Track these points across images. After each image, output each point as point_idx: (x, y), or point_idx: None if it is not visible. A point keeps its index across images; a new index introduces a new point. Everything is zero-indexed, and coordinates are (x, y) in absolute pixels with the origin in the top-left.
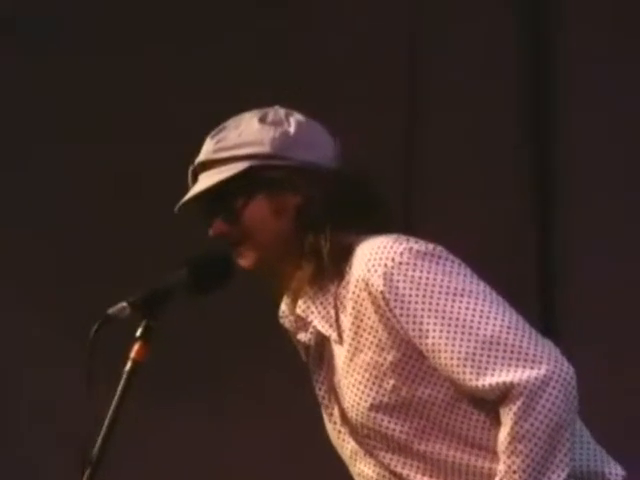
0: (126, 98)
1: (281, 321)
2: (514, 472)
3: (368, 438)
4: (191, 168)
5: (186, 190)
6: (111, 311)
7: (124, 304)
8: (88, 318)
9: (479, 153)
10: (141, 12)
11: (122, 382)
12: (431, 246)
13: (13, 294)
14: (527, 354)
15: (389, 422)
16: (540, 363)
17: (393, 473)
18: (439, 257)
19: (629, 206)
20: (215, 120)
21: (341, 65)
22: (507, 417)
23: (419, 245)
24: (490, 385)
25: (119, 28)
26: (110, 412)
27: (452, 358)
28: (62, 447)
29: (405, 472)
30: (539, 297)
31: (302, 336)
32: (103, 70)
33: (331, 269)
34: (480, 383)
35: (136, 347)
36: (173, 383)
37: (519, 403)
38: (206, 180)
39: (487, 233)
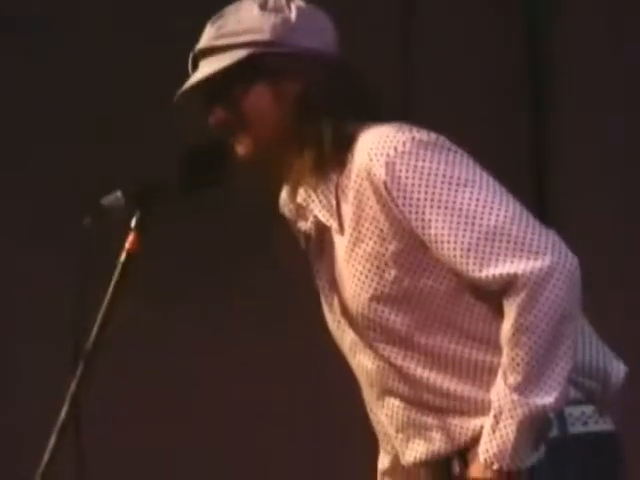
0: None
1: (281, 210)
2: (517, 364)
3: (368, 329)
4: (191, 55)
5: (186, 77)
6: (105, 201)
7: (118, 193)
8: None
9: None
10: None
11: (116, 273)
12: (434, 136)
13: None
14: (531, 245)
15: (390, 313)
16: (544, 254)
17: (393, 365)
18: (442, 147)
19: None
20: None
21: None
22: (510, 309)
23: (422, 134)
24: (493, 276)
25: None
26: (104, 303)
27: (455, 249)
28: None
29: (405, 364)
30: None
31: (302, 225)
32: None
33: (333, 157)
34: (483, 274)
35: (130, 238)
36: (172, 284)
37: (523, 295)
38: (206, 68)
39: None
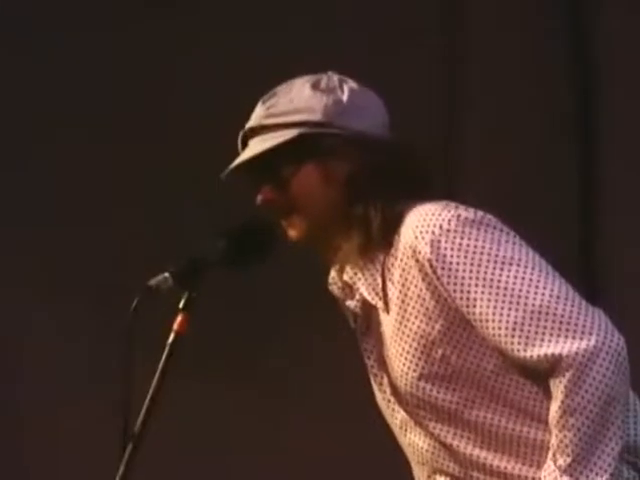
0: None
1: (330, 288)
2: (566, 446)
3: (417, 408)
4: (241, 133)
5: (234, 157)
6: (153, 282)
7: (166, 275)
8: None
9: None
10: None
11: (165, 354)
12: (480, 213)
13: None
14: (577, 324)
15: (438, 392)
16: (590, 334)
17: (442, 444)
18: (487, 225)
19: None
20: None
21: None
22: (557, 390)
23: (468, 212)
24: (538, 356)
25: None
26: (153, 385)
27: (500, 328)
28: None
29: (455, 443)
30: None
31: (350, 303)
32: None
33: (380, 239)
34: (528, 354)
35: (179, 319)
36: (215, 358)
37: (569, 375)
38: (256, 146)
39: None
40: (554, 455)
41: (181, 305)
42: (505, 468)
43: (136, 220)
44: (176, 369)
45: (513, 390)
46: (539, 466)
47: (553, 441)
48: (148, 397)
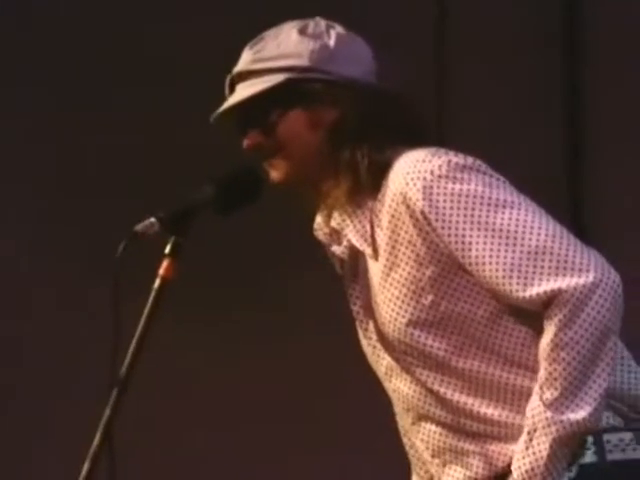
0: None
1: (315, 233)
2: (555, 379)
3: (405, 354)
4: (228, 78)
5: (223, 99)
6: (139, 227)
7: (152, 220)
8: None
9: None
10: None
11: (151, 299)
12: (470, 159)
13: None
14: (574, 262)
15: (426, 338)
16: (587, 271)
17: (429, 390)
18: (478, 170)
19: None
20: None
21: None
22: (551, 324)
23: (458, 158)
24: (537, 294)
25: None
26: (139, 329)
27: (497, 270)
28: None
29: (442, 390)
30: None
31: (336, 249)
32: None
33: (368, 184)
34: (527, 293)
35: (165, 264)
36: (202, 301)
37: (565, 310)
38: (243, 91)
39: (517, 150)
40: (541, 388)
41: (167, 250)
42: (492, 415)
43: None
44: (164, 313)
45: (501, 337)
46: (525, 413)
47: (541, 374)
48: (134, 341)
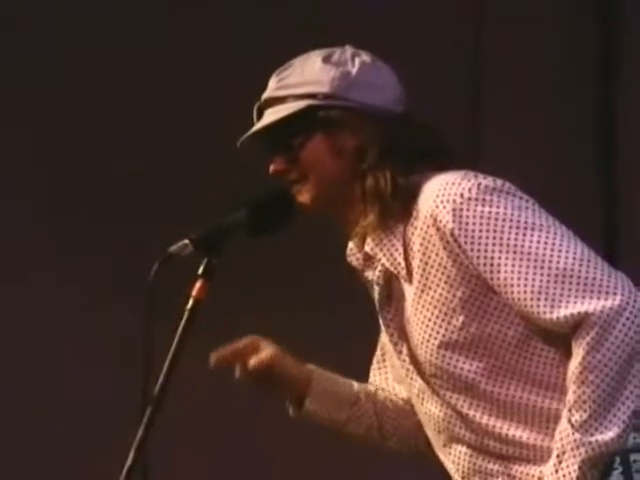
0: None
1: (348, 259)
2: (584, 402)
3: (435, 377)
4: (256, 104)
5: (251, 125)
6: (173, 249)
7: (186, 241)
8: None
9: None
10: None
11: (184, 320)
12: (500, 181)
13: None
14: (601, 285)
15: (457, 360)
16: (614, 294)
17: (458, 413)
18: (507, 192)
19: None
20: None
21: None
22: (579, 347)
23: (487, 180)
24: (565, 317)
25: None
26: (172, 349)
27: (525, 292)
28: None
29: (471, 412)
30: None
31: (370, 274)
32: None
33: (396, 209)
34: (555, 315)
35: (197, 285)
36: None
37: (592, 333)
38: (267, 118)
39: (550, 178)
40: (570, 410)
41: (200, 271)
42: (520, 437)
43: (160, 191)
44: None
45: (529, 358)
46: (554, 435)
47: (570, 397)
48: (167, 362)
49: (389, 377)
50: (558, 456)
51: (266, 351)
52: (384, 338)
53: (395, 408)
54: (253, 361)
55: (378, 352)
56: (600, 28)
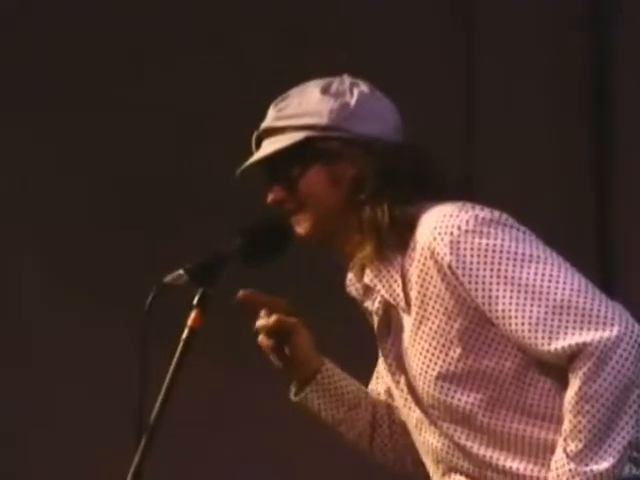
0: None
1: (348, 289)
2: (579, 432)
3: (433, 408)
4: (255, 134)
5: (250, 155)
6: (167, 279)
7: (180, 272)
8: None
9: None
10: None
11: (179, 349)
12: (497, 213)
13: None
14: (598, 316)
15: (455, 391)
16: (612, 325)
17: (456, 444)
18: (504, 224)
19: None
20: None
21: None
22: (576, 377)
23: (485, 212)
24: (563, 348)
25: None
26: (167, 379)
27: (523, 324)
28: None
29: (468, 444)
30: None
31: (369, 304)
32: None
33: (393, 239)
34: (553, 347)
35: (193, 315)
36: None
37: (590, 363)
38: (266, 148)
39: (549, 209)
40: (565, 440)
41: (195, 301)
42: (517, 469)
43: (151, 220)
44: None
45: (527, 389)
46: (550, 466)
47: (566, 426)
48: (163, 390)
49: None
50: None
51: (292, 319)
52: (380, 365)
53: (391, 426)
54: (276, 316)
55: (373, 379)
56: (592, 50)
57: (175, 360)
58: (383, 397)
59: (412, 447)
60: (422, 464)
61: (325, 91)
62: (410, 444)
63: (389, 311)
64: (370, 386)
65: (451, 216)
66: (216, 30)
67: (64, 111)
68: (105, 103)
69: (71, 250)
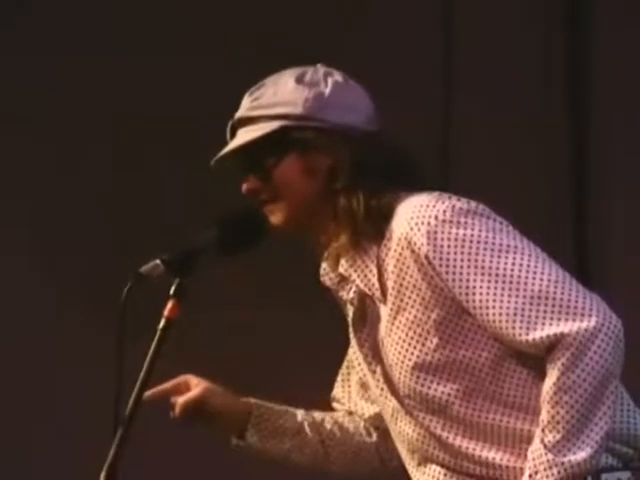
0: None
1: (322, 279)
2: (557, 422)
3: (409, 398)
4: (230, 123)
5: (224, 144)
6: (144, 269)
7: (157, 262)
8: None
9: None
10: None
11: (155, 340)
12: (474, 204)
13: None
14: (576, 307)
15: (432, 382)
16: (590, 315)
17: (432, 434)
18: (481, 214)
19: None
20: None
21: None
22: (554, 368)
23: (462, 203)
24: (541, 338)
25: None
26: (143, 370)
27: (501, 314)
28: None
29: (444, 434)
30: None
31: (344, 294)
32: None
33: (369, 229)
34: (530, 337)
35: (169, 305)
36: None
37: (568, 354)
38: (240, 137)
39: (526, 208)
40: (543, 431)
41: (172, 291)
42: (493, 459)
43: (131, 213)
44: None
45: (502, 380)
46: (526, 457)
47: (543, 417)
48: (139, 381)
49: (352, 393)
50: (531, 476)
51: (196, 389)
52: (352, 355)
53: (343, 434)
54: (180, 399)
55: (344, 368)
56: (573, 51)
57: (152, 350)
58: (347, 405)
59: (378, 447)
60: (390, 464)
61: (299, 80)
62: (367, 446)
63: (364, 301)
64: (334, 391)
65: (428, 206)
66: (215, 30)
67: (64, 111)
68: (105, 103)
69: (70, 250)
